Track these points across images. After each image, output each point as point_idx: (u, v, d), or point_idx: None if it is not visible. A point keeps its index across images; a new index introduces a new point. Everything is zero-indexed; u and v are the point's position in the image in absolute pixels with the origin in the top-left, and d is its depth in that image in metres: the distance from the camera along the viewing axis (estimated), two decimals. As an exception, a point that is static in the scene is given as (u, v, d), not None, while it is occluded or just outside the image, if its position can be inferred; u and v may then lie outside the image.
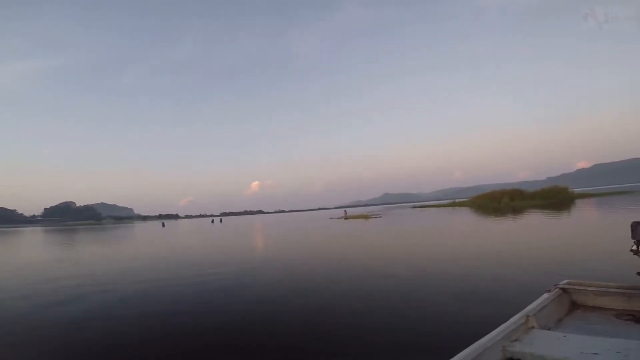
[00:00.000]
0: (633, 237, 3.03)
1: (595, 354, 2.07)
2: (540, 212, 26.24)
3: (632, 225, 3.06)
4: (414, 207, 77.25)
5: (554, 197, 42.68)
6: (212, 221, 77.42)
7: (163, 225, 67.60)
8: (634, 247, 3.03)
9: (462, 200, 67.08)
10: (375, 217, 39.23)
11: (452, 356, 2.07)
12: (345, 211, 65.60)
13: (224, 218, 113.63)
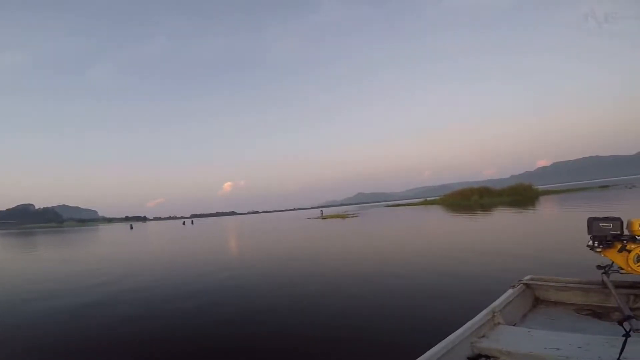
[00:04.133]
0: (589, 233, 3.06)
1: (558, 349, 2.13)
2: (507, 209, 27.55)
3: (588, 221, 3.09)
4: (388, 206, 78.78)
5: (520, 194, 45.00)
6: (184, 223, 75.74)
7: (131, 227, 65.72)
8: (590, 243, 3.06)
9: (433, 198, 69.18)
10: (352, 217, 39.55)
11: (423, 353, 2.08)
12: (321, 211, 65.73)
13: (195, 220, 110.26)
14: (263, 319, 5.17)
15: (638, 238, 2.82)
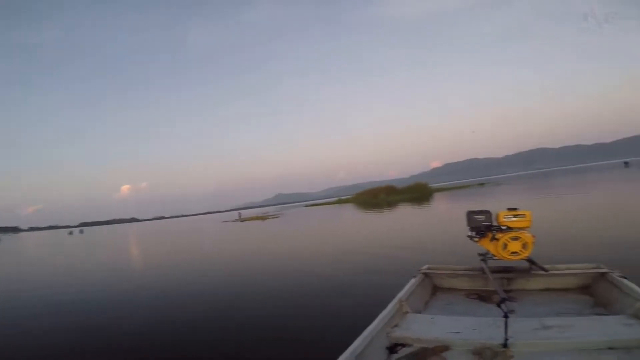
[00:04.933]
0: (468, 225, 3.44)
1: (457, 332, 2.39)
2: (408, 205, 30.76)
3: (466, 215, 3.47)
4: (307, 205, 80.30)
5: (418, 192, 50.66)
6: (71, 232, 65.62)
7: None
8: (469, 233, 3.46)
9: (347, 197, 73.09)
10: (273, 218, 39.07)
11: (345, 349, 2.11)
12: (239, 213, 63.32)
13: (85, 229, 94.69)
14: (174, 328, 4.74)
15: (503, 228, 3.30)
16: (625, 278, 2.90)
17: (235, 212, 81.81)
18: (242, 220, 41.79)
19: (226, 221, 46.23)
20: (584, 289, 3.25)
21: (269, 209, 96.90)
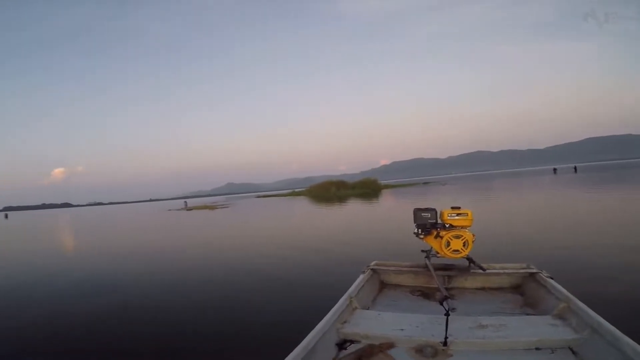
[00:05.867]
0: (414, 222, 3.45)
1: (402, 329, 2.41)
2: (358, 200, 31.62)
3: (414, 212, 3.47)
4: (258, 196, 78.78)
5: (368, 187, 52.32)
6: None
7: None
8: (416, 230, 3.45)
9: (300, 190, 73.11)
10: (222, 208, 37.69)
11: (294, 346, 2.07)
12: (185, 202, 60.14)
13: (10, 213, 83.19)
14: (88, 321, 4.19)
15: (447, 226, 3.35)
16: (552, 278, 3.05)
17: (182, 201, 77.54)
18: (188, 209, 39.82)
19: (171, 210, 43.73)
20: (516, 288, 3.40)
21: (219, 199, 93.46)
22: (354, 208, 23.52)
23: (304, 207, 29.00)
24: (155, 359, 3.59)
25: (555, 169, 71.62)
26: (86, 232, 21.65)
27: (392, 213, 18.21)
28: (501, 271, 3.45)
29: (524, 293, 3.27)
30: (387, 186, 60.83)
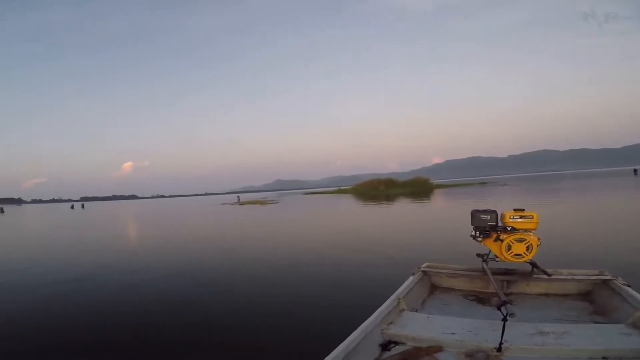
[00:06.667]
0: (472, 224, 3.32)
1: (453, 333, 2.33)
2: (408, 199, 30.74)
3: (471, 213, 3.35)
4: (306, 193, 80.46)
5: (419, 187, 50.53)
6: (72, 207, 65.97)
7: (2, 211, 55.38)
8: (473, 233, 3.33)
9: (346, 187, 73.07)
10: (272, 203, 39.19)
11: (339, 343, 2.08)
12: (238, 197, 63.54)
13: (86, 203, 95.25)
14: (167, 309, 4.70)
15: (509, 229, 3.17)
16: (629, 286, 2.81)
17: (234, 195, 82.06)
18: (241, 204, 41.95)
19: (225, 203, 46.43)
20: (585, 295, 3.17)
21: (268, 194, 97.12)
22: (402, 208, 22.96)
23: (351, 206, 28.99)
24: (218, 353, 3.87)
25: (635, 170, 62.52)
26: (175, 221, 23.82)
27: (443, 215, 17.47)
28: (569, 277, 3.23)
29: (594, 300, 3.05)
30: (439, 186, 58.31)
